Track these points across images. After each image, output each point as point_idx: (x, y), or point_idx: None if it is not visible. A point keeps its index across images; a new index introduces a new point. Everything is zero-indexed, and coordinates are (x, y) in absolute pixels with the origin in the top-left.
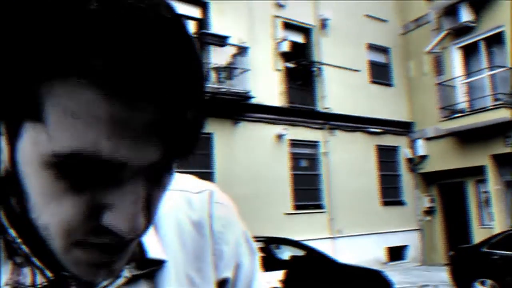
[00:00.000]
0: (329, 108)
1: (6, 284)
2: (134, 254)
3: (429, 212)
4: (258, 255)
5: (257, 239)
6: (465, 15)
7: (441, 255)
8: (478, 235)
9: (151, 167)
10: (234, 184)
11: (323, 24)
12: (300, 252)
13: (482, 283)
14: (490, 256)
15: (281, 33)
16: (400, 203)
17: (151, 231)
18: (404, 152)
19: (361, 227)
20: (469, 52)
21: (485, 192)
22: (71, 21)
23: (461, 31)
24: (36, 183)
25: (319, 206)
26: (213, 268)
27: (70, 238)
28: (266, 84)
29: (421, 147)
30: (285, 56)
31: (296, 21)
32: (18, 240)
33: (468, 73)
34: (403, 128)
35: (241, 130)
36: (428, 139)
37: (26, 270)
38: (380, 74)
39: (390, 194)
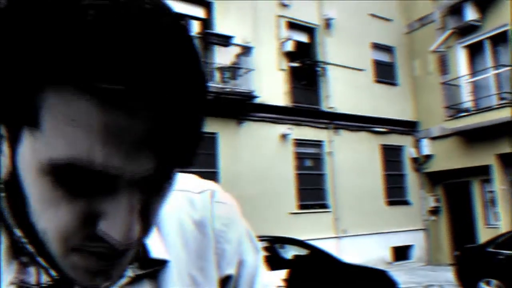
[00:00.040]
0: (334, 108)
1: (12, 283)
2: (137, 254)
3: (434, 211)
4: (262, 253)
5: (262, 238)
6: (471, 14)
7: (447, 255)
8: (484, 235)
9: (146, 178)
10: (239, 184)
11: (327, 23)
12: (304, 252)
13: (488, 283)
14: (496, 256)
15: (285, 32)
16: (405, 202)
17: (154, 231)
18: (410, 152)
19: (366, 226)
20: (474, 51)
21: (491, 191)
22: (66, 31)
23: (467, 30)
24: (34, 188)
25: (324, 206)
26: (216, 267)
27: (67, 244)
28: (270, 84)
29: (427, 147)
30: (289, 55)
31: (300, 20)
32: (24, 240)
33: (474, 72)
34: (408, 127)
35: (245, 130)
36: (434, 138)
37: (32, 270)
38: (385, 73)
39: (395, 193)
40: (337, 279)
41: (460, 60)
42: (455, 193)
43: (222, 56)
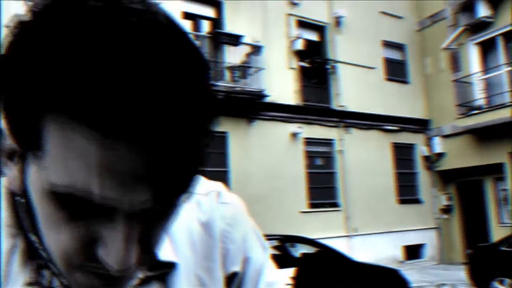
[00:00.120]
0: (344, 106)
1: (27, 284)
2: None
3: (446, 210)
4: (269, 251)
5: (273, 237)
6: (483, 11)
7: (459, 253)
8: (497, 233)
9: (143, 210)
10: (250, 183)
11: (337, 21)
12: (312, 250)
13: (501, 282)
14: (509, 254)
15: (295, 31)
16: (417, 201)
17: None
18: (421, 150)
19: (378, 225)
20: (486, 48)
21: (504, 190)
22: (64, 66)
23: (479, 26)
24: (40, 207)
25: (335, 205)
26: (221, 267)
27: (69, 263)
28: (281, 83)
29: (438, 145)
30: (299, 54)
31: (310, 19)
32: (38, 245)
33: (486, 69)
34: (419, 125)
35: (256, 129)
36: (446, 136)
37: (46, 273)
38: (396, 71)
39: (407, 192)
40: (348, 278)
41: (472, 57)
42: (468, 191)
43: (232, 56)
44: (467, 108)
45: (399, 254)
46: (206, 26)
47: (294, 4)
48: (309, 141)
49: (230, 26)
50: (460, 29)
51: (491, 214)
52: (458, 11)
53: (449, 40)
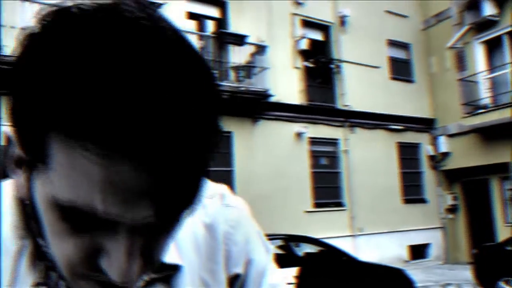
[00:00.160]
0: (349, 106)
1: (35, 284)
2: None
3: (452, 210)
4: (272, 253)
5: (277, 237)
6: (488, 9)
7: (465, 253)
8: (503, 233)
9: (146, 226)
10: (254, 182)
11: (342, 21)
12: (317, 250)
13: (507, 282)
14: None
15: (300, 31)
16: (422, 200)
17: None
18: (426, 149)
19: (383, 225)
20: (492, 47)
21: (510, 189)
22: (69, 87)
23: (484, 25)
24: (45, 217)
25: (339, 204)
26: (224, 268)
27: (73, 271)
28: (285, 82)
29: (444, 144)
30: (304, 54)
31: (315, 18)
32: (46, 248)
33: (492, 68)
34: (425, 125)
35: (260, 129)
36: (451, 135)
37: (53, 274)
38: (401, 70)
39: (412, 191)
40: (353, 278)
41: (478, 56)
42: (473, 191)
43: (237, 55)
44: (473, 107)
45: (404, 253)
46: (210, 26)
47: (299, 3)
48: (314, 141)
49: (234, 26)
50: (465, 28)
51: (497, 214)
52: (463, 9)
53: (454, 39)
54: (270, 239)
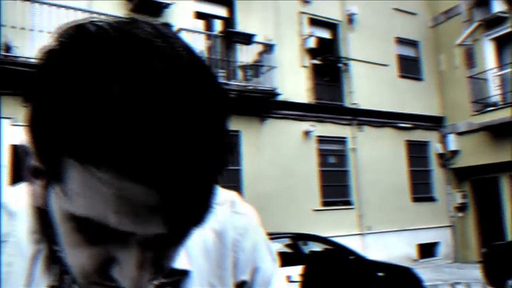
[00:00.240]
0: (357, 104)
1: (52, 287)
2: None
3: (461, 208)
4: (278, 263)
5: (286, 235)
6: (498, 6)
7: (474, 252)
8: None
9: (158, 238)
10: (262, 181)
11: (350, 19)
12: (322, 248)
13: None
14: None
15: (307, 29)
16: (431, 199)
17: None
18: (435, 147)
19: (391, 223)
20: (502, 44)
21: None
22: (83, 116)
23: (494, 22)
24: (61, 229)
25: (348, 203)
26: (232, 275)
27: (87, 279)
28: (293, 81)
29: (453, 142)
30: (312, 52)
31: (322, 17)
32: (60, 252)
33: (502, 65)
34: (434, 122)
35: (268, 127)
36: (460, 133)
37: (68, 278)
38: (409, 68)
39: (421, 190)
40: (361, 276)
41: (487, 53)
42: (483, 189)
43: (245, 54)
44: (482, 105)
45: (413, 252)
46: (218, 26)
47: (306, 2)
48: (322, 139)
49: (242, 25)
50: (475, 25)
51: (506, 212)
52: (472, 6)
53: (463, 36)
54: (278, 238)
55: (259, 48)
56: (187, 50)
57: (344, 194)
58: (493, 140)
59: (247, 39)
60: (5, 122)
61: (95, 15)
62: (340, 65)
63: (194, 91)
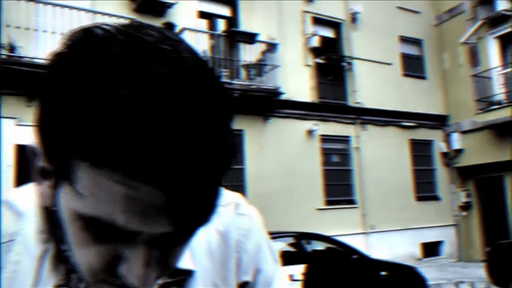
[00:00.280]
0: (360, 103)
1: (59, 286)
2: None
3: (465, 207)
4: (279, 264)
5: (289, 234)
6: (502, 3)
7: (478, 251)
8: None
9: (164, 236)
10: (266, 180)
11: (353, 18)
12: (326, 247)
13: None
14: None
15: (311, 28)
16: (435, 198)
17: None
18: (439, 146)
19: (395, 222)
20: (506, 42)
21: None
22: (93, 120)
23: (498, 20)
24: (69, 228)
25: (351, 202)
26: (235, 275)
27: (94, 277)
28: (296, 80)
29: (457, 141)
30: (315, 51)
31: (326, 15)
32: (67, 252)
33: (506, 63)
34: (437, 121)
35: (272, 126)
36: (464, 132)
37: (75, 277)
38: (413, 67)
39: (424, 189)
40: (365, 275)
41: (492, 51)
42: (487, 188)
43: (248, 54)
44: (486, 103)
45: (417, 251)
46: (221, 25)
47: (310, 1)
48: (325, 138)
49: (245, 25)
50: (479, 23)
51: (511, 211)
52: (476, 4)
53: (467, 34)
54: (282, 237)
55: (263, 47)
56: (192, 53)
57: (348, 193)
58: (497, 138)
59: (250, 38)
60: (10, 122)
61: (98, 15)
62: (344, 64)
63: (199, 94)
